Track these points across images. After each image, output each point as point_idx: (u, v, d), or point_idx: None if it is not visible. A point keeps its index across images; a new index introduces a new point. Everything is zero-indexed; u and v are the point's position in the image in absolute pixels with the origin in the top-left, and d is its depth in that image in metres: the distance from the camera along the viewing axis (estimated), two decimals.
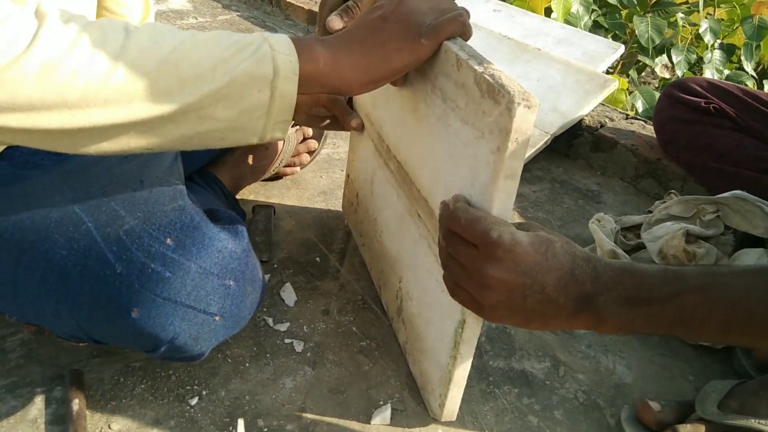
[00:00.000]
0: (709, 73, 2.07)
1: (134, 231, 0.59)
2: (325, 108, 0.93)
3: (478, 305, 0.56)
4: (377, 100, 0.87)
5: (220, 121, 0.51)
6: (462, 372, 0.67)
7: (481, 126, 0.57)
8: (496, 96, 0.53)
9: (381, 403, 0.74)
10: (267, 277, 0.94)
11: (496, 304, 0.54)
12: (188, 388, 0.74)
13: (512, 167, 0.54)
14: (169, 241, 0.59)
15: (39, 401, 0.70)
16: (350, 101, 0.97)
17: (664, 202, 1.07)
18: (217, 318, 0.62)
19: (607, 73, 1.62)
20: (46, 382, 0.72)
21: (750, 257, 0.94)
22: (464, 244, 0.55)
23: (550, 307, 0.53)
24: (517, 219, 1.17)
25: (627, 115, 1.45)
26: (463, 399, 0.74)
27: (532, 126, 0.53)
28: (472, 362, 0.81)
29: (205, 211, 0.71)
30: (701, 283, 0.54)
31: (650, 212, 1.09)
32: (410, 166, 0.77)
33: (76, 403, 0.68)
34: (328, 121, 0.96)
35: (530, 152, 1.28)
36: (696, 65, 2.21)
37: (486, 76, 0.55)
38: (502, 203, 0.56)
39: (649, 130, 1.39)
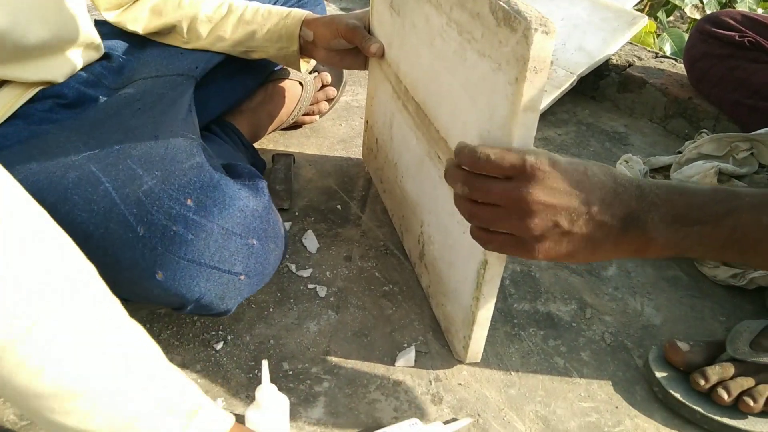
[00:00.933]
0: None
1: (153, 192, 0.58)
2: (345, 38, 0.90)
3: (521, 243, 0.53)
4: (393, 40, 0.85)
5: None
6: (485, 313, 0.67)
7: (498, 57, 0.54)
8: (513, 23, 0.51)
9: (405, 345, 0.74)
10: (288, 225, 0.93)
11: (542, 234, 0.51)
12: (213, 333, 0.74)
13: (532, 98, 0.51)
14: (189, 201, 0.58)
15: None
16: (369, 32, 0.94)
17: (695, 142, 1.03)
18: (242, 277, 0.61)
19: None
20: None
21: None
22: (495, 181, 0.52)
23: (597, 229, 0.51)
24: None
25: (656, 53, 1.40)
26: (487, 341, 0.74)
27: (551, 54, 0.50)
28: (497, 305, 0.80)
29: (223, 165, 0.70)
30: (756, 202, 0.51)
31: (680, 153, 1.05)
32: (428, 106, 0.75)
33: None
34: (348, 57, 0.93)
35: (555, 94, 1.25)
36: (727, 5, 2.11)
37: (502, 3, 0.52)
38: (522, 138, 0.54)
39: (679, 68, 1.34)
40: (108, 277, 0.59)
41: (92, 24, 0.82)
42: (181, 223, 0.56)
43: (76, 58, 0.77)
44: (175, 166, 0.61)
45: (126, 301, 0.67)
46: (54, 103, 0.73)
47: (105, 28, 0.89)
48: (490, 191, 0.53)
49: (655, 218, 0.51)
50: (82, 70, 0.80)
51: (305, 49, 0.94)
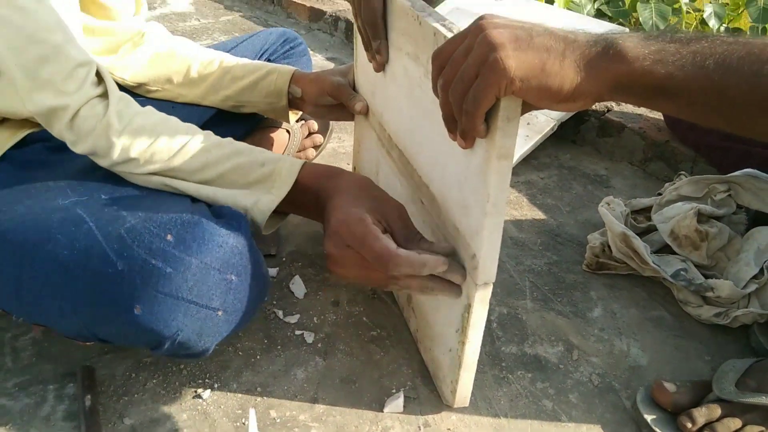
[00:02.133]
0: None
1: (135, 229, 0.59)
2: (331, 96, 0.93)
3: (491, 68, 0.49)
4: (376, 89, 0.87)
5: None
6: (472, 357, 0.67)
7: None
8: None
9: (393, 391, 0.74)
10: (276, 270, 0.94)
11: (503, 42, 0.48)
12: (200, 381, 0.74)
13: (505, 146, 0.53)
14: (169, 237, 0.59)
15: (51, 398, 0.70)
16: (354, 88, 0.97)
17: (674, 184, 1.06)
18: (219, 313, 0.61)
19: None
20: (58, 379, 0.72)
21: (764, 235, 0.92)
22: (462, 54, 0.51)
23: (560, 41, 0.49)
24: (526, 206, 1.16)
25: None
26: (476, 385, 0.74)
27: (521, 103, 0.52)
28: (485, 348, 0.81)
29: (207, 206, 0.71)
30: (731, 38, 0.50)
31: (660, 194, 1.07)
32: (410, 153, 0.76)
33: (89, 399, 0.68)
34: (335, 110, 0.96)
35: (536, 139, 1.27)
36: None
37: None
38: (497, 184, 0.55)
39: (656, 112, 1.38)
40: (86, 313, 0.59)
41: None
42: (160, 257, 0.57)
43: None
44: (158, 206, 0.62)
45: (105, 343, 0.67)
46: (43, 147, 0.74)
47: None
48: (455, 64, 0.52)
49: (624, 38, 0.50)
50: None
51: (294, 104, 0.97)
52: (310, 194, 0.71)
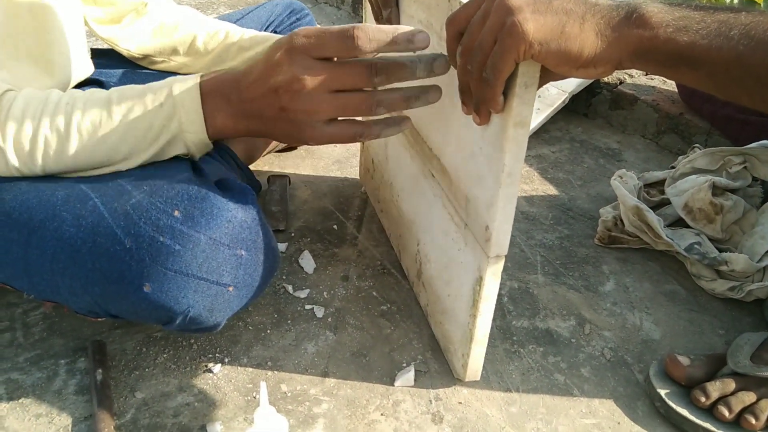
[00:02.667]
0: None
1: (141, 205, 0.58)
2: None
3: (510, 30, 0.47)
4: None
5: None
6: (483, 330, 0.66)
7: None
8: None
9: (404, 365, 0.74)
10: (285, 245, 0.93)
11: (523, 10, 0.47)
12: (210, 356, 0.73)
13: (522, 113, 0.52)
14: (176, 213, 0.58)
15: (63, 372, 0.70)
16: None
17: (688, 156, 1.04)
18: (230, 288, 0.61)
19: None
20: (69, 354, 0.73)
21: None
22: (480, 20, 0.50)
23: (580, 4, 0.48)
24: (537, 180, 1.14)
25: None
26: (487, 359, 0.74)
27: (539, 69, 0.50)
28: (495, 322, 0.80)
29: (215, 182, 0.70)
30: (755, 11, 0.48)
31: (673, 167, 1.06)
32: (421, 124, 0.75)
33: (100, 373, 0.68)
34: None
35: (548, 112, 1.25)
36: None
37: None
38: (513, 153, 0.54)
39: (670, 84, 1.35)
40: (96, 292, 0.58)
41: (89, 58, 0.83)
42: (168, 233, 0.56)
43: (63, 75, 0.77)
44: (164, 181, 0.61)
45: (116, 319, 0.67)
46: None
47: (98, 60, 0.89)
48: (474, 26, 0.51)
49: (648, 3, 0.48)
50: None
51: None
52: (227, 86, 0.62)
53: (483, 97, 0.52)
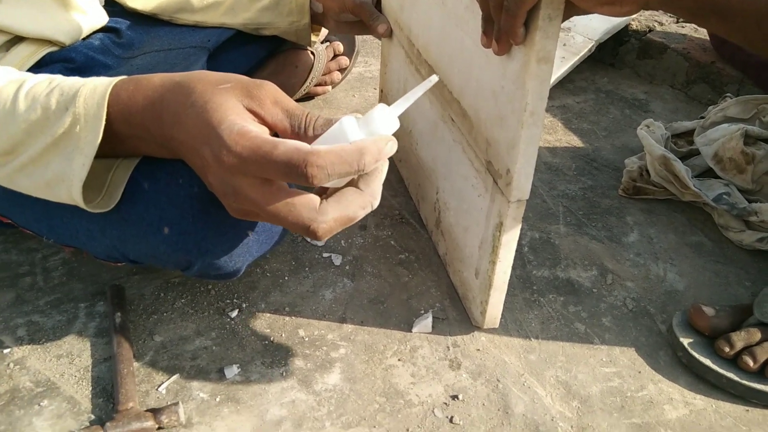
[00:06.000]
0: None
1: None
2: (352, 13, 0.89)
3: None
4: (404, 3, 0.82)
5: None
6: (502, 277, 0.65)
7: None
8: None
9: (422, 312, 0.73)
10: None
11: None
12: (228, 301, 0.73)
13: (545, 48, 0.49)
14: None
15: (83, 315, 0.71)
16: (378, 5, 0.92)
17: (718, 105, 1.00)
18: (249, 233, 0.60)
19: None
20: (88, 298, 0.73)
21: None
22: None
23: None
24: (561, 131, 1.11)
25: (678, 18, 1.35)
26: (506, 308, 0.73)
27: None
28: (515, 272, 0.79)
29: None
30: None
31: (703, 118, 1.02)
32: (441, 67, 0.73)
33: (119, 316, 0.69)
34: (357, 25, 0.92)
35: (573, 61, 1.21)
36: None
37: None
38: (536, 91, 0.51)
39: (701, 32, 1.30)
40: (114, 234, 0.58)
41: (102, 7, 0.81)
42: (186, 175, 0.55)
43: (81, 19, 0.75)
44: None
45: (135, 264, 0.67)
46: (63, 67, 0.72)
47: (109, 7, 0.87)
48: None
49: None
50: (89, 38, 0.79)
51: (315, 20, 0.93)
52: (138, 127, 0.49)
53: (504, 27, 0.49)
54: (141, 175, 0.55)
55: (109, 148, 0.50)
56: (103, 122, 0.46)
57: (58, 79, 0.50)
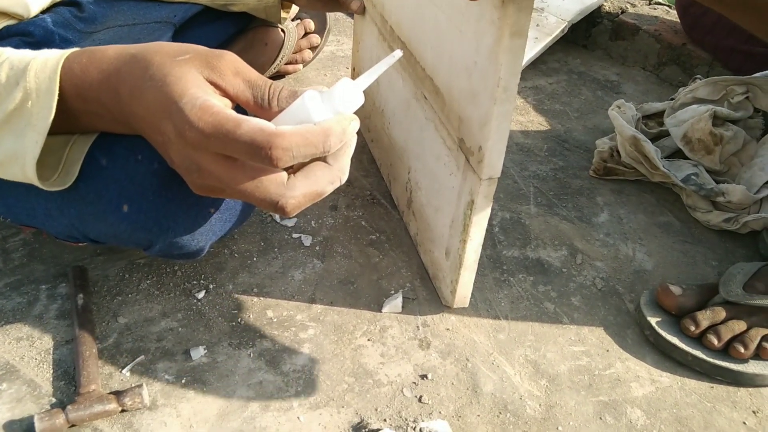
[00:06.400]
0: None
1: None
2: None
3: None
4: None
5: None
6: (473, 256, 0.65)
7: None
8: None
9: (392, 292, 0.73)
10: None
11: None
12: (194, 282, 0.72)
13: (519, 22, 0.48)
14: None
15: (44, 297, 0.69)
16: None
17: (689, 87, 1.01)
18: (211, 210, 0.58)
19: None
20: (50, 280, 0.71)
21: None
22: None
23: None
24: (533, 112, 1.11)
25: (650, 0, 1.36)
26: (476, 287, 0.73)
27: None
28: (486, 252, 0.79)
29: None
30: None
31: (673, 99, 1.03)
32: (414, 44, 0.71)
33: (81, 298, 0.67)
34: (330, 2, 0.90)
35: (546, 41, 1.21)
36: None
37: None
38: (509, 66, 0.51)
39: (673, 15, 1.30)
40: (72, 213, 0.56)
41: None
42: (144, 151, 0.53)
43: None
44: None
45: (97, 244, 0.65)
46: (20, 41, 0.69)
47: None
48: None
49: None
50: (49, 11, 0.75)
51: None
52: (93, 102, 0.47)
53: None
54: (99, 151, 0.53)
55: (64, 124, 0.48)
56: (56, 97, 0.44)
57: (8, 52, 0.47)
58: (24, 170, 0.47)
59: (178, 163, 0.45)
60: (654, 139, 0.96)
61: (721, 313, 0.69)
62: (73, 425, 0.56)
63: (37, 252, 0.74)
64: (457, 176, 0.63)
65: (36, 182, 0.48)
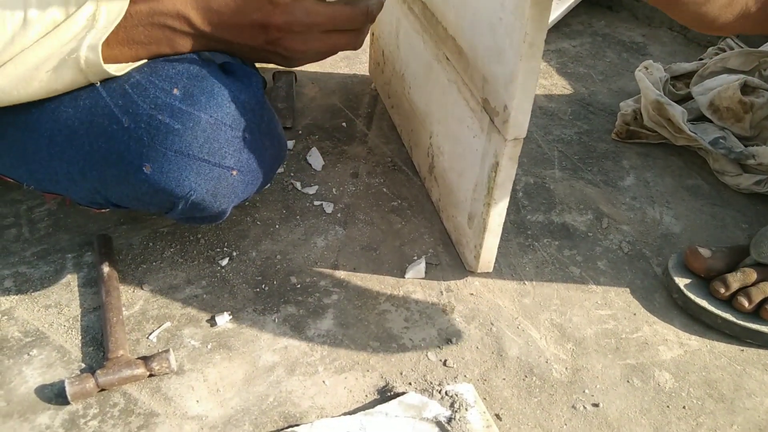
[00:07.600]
0: None
1: (140, 84, 0.55)
2: None
3: None
4: None
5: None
6: (497, 219, 0.64)
7: None
8: None
9: (415, 258, 0.72)
10: (292, 143, 0.90)
11: None
12: (218, 250, 0.72)
13: None
14: (175, 91, 0.54)
15: (70, 266, 0.70)
16: None
17: (719, 54, 0.97)
18: (234, 172, 0.58)
19: None
20: (75, 248, 0.72)
21: None
22: None
23: None
24: (556, 75, 1.08)
25: None
26: (500, 252, 0.72)
27: None
28: (510, 217, 0.78)
29: (219, 65, 0.66)
30: None
31: (702, 60, 0.99)
32: (435, 4, 0.70)
33: (107, 266, 0.67)
34: None
35: (569, 3, 1.18)
36: None
37: None
38: (536, 19, 0.49)
39: None
40: (94, 176, 0.56)
41: None
42: (167, 112, 0.53)
43: None
44: (165, 62, 0.57)
45: (119, 209, 0.65)
46: None
47: None
48: None
49: None
50: None
51: None
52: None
53: None
54: (121, 111, 0.52)
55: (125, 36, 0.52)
56: None
57: None
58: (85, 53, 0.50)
59: (280, 22, 0.54)
60: (682, 100, 0.94)
61: (752, 275, 0.67)
62: (102, 389, 0.57)
63: (63, 222, 0.75)
64: (480, 138, 0.62)
65: (99, 62, 0.50)
